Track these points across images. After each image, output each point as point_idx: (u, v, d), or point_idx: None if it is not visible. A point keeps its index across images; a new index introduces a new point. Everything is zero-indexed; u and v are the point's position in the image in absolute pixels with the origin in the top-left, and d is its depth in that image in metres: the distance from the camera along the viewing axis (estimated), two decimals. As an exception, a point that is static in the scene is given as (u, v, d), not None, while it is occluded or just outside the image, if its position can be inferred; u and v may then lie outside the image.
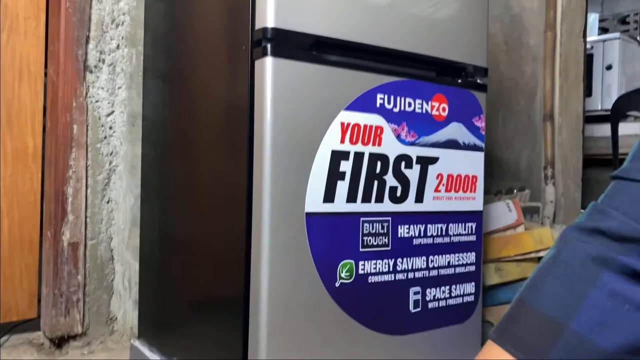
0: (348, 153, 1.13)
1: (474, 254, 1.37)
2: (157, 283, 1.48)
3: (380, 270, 1.18)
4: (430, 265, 1.28)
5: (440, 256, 1.30)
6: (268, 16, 1.05)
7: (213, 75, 1.24)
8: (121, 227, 1.58)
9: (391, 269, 1.20)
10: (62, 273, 1.48)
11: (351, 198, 1.13)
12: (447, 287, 1.31)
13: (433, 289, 1.28)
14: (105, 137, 1.55)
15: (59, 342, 1.51)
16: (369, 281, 1.16)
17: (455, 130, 1.31)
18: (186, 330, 1.32)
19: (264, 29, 1.04)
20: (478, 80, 1.37)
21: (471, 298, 1.36)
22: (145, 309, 1.54)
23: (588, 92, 3.08)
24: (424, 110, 1.25)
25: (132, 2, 1.58)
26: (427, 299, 1.27)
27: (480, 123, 1.37)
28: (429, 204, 1.27)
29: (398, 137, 1.20)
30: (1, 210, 1.47)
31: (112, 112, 1.56)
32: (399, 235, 1.21)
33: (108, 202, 1.56)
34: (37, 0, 1.51)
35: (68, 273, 1.49)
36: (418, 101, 1.24)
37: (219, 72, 1.22)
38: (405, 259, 1.22)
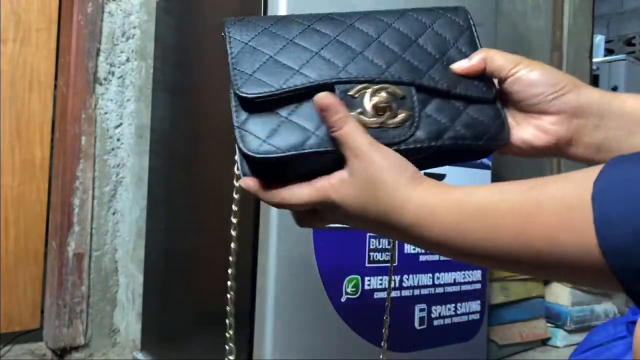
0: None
1: (479, 272, 1.37)
2: (161, 295, 1.48)
3: (386, 286, 1.17)
4: (436, 282, 1.27)
5: (446, 273, 1.29)
6: (279, 31, 1.05)
7: (222, 89, 1.25)
8: (126, 239, 1.58)
9: (397, 285, 1.20)
10: (66, 284, 1.48)
11: (358, 213, 1.13)
12: (453, 305, 1.31)
13: (438, 306, 1.28)
14: (112, 149, 1.56)
15: (61, 353, 1.50)
16: (375, 297, 1.16)
17: (463, 148, 1.31)
18: (190, 343, 1.31)
19: (275, 44, 1.05)
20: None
21: (476, 316, 1.36)
22: (148, 321, 1.53)
23: (594, 112, 3.07)
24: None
25: (143, 15, 1.60)
26: (433, 316, 1.26)
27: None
28: (436, 221, 1.26)
29: (406, 153, 1.20)
30: (8, 219, 1.48)
31: (121, 124, 1.57)
32: (405, 252, 1.21)
33: (114, 213, 1.56)
34: (49, 12, 1.53)
35: (72, 284, 1.49)
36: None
37: (228, 86, 1.23)
38: (411, 276, 1.22)
